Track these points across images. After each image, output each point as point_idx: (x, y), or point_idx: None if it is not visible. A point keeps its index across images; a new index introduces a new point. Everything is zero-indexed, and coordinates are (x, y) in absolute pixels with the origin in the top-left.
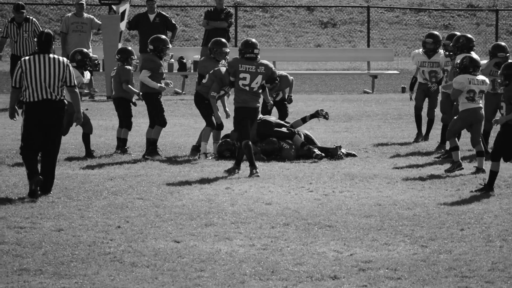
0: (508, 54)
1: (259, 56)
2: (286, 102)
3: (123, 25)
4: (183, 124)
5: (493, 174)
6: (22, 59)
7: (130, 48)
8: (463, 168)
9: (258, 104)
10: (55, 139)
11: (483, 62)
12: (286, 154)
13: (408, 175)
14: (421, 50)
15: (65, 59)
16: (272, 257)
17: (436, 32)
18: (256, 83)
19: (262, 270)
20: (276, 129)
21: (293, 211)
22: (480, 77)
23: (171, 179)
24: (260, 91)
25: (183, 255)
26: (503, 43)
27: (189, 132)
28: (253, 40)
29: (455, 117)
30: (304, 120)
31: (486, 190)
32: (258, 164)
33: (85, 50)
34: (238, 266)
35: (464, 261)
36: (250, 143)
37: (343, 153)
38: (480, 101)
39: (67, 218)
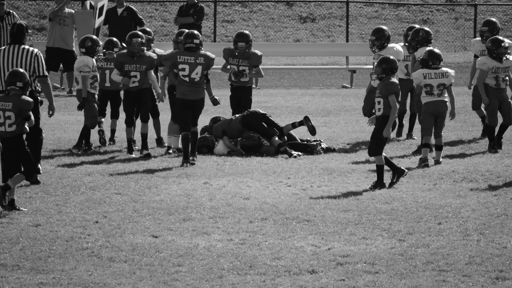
0: (507, 45)
1: (201, 47)
2: (253, 87)
3: (99, 21)
4: (161, 119)
5: (381, 168)
6: None
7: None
8: (428, 166)
9: (201, 96)
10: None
11: (480, 58)
12: (266, 150)
13: (386, 170)
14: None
15: (35, 50)
16: (250, 252)
17: (417, 25)
18: (196, 74)
19: (240, 265)
20: (262, 122)
21: (271, 206)
22: (441, 70)
23: (149, 174)
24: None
25: (161, 250)
26: (500, 37)
27: (162, 126)
28: (195, 31)
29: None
30: (294, 125)
31: (379, 185)
32: (236, 159)
33: (95, 37)
34: (216, 260)
35: (441, 255)
36: (189, 135)
37: (322, 148)
38: (444, 94)
39: (45, 214)
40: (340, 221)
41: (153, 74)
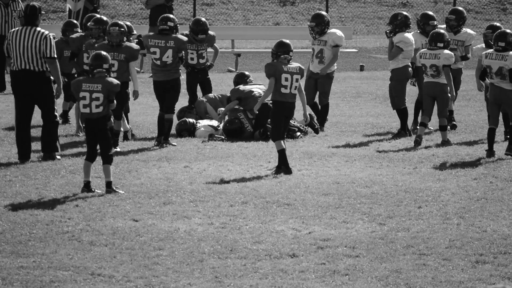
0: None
1: (176, 30)
2: (207, 69)
3: (80, 4)
4: (142, 102)
5: (281, 152)
6: (10, 30)
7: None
8: (419, 144)
9: (173, 77)
10: (44, 108)
11: (478, 46)
12: (247, 137)
13: (366, 153)
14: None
15: (46, 32)
16: (230, 236)
17: (429, 13)
18: (167, 57)
19: (220, 249)
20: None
21: (251, 190)
22: (436, 51)
23: (129, 158)
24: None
25: (142, 234)
26: (497, 23)
27: (147, 111)
28: (171, 15)
29: None
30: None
31: (279, 170)
32: (216, 142)
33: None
34: (197, 244)
35: (421, 239)
36: (162, 116)
37: (302, 132)
38: (441, 76)
39: (25, 197)
40: (320, 205)
41: (134, 70)
